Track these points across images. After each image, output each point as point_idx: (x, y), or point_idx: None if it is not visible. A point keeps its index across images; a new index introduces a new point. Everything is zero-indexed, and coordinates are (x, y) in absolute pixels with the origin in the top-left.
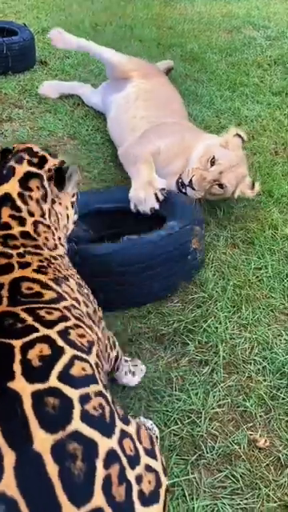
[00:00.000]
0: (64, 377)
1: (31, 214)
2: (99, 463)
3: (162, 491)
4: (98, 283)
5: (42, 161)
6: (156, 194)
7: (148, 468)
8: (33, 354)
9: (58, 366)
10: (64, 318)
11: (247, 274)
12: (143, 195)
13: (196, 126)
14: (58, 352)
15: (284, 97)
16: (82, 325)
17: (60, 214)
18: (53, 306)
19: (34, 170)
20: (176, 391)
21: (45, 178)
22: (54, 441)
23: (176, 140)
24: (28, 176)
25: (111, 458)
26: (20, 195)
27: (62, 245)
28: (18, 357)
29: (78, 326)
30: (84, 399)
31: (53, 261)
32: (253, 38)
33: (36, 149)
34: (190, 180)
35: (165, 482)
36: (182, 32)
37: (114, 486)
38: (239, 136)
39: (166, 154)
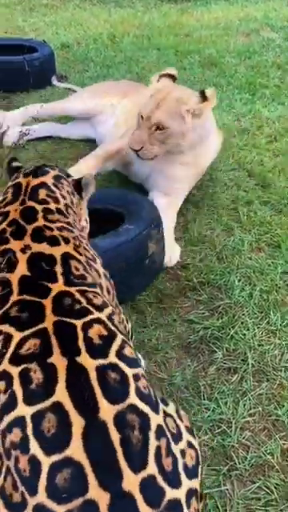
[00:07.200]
0: (120, 355)
1: (63, 197)
2: (152, 435)
3: (200, 468)
4: None
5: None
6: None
7: (189, 444)
8: (93, 333)
9: (115, 346)
10: (105, 304)
11: (274, 279)
12: None
13: (217, 130)
14: (112, 333)
15: None
16: (116, 310)
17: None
18: (94, 290)
19: (62, 174)
20: (205, 400)
21: (70, 184)
22: (116, 411)
23: None
24: (58, 176)
25: (160, 431)
26: (54, 184)
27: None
28: (80, 335)
29: (114, 313)
30: (136, 377)
31: (83, 240)
32: (271, 40)
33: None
34: (134, 150)
35: (200, 460)
36: (199, 38)
37: (164, 456)
38: (166, 75)
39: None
